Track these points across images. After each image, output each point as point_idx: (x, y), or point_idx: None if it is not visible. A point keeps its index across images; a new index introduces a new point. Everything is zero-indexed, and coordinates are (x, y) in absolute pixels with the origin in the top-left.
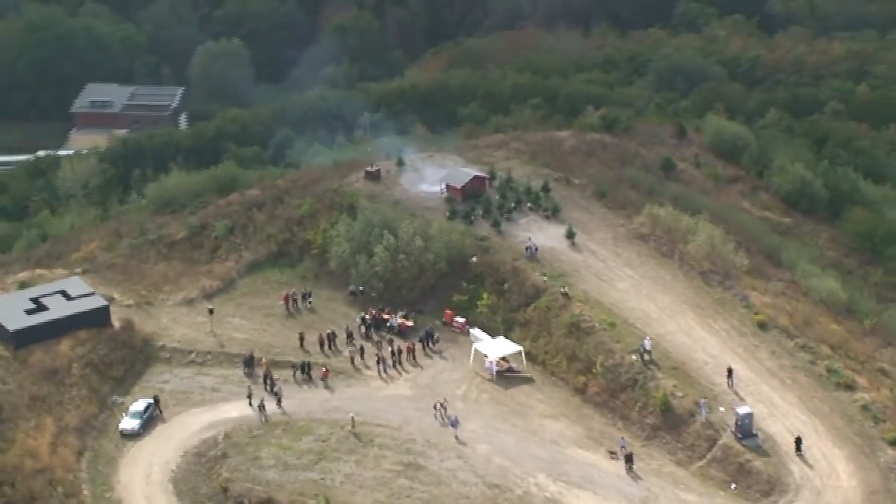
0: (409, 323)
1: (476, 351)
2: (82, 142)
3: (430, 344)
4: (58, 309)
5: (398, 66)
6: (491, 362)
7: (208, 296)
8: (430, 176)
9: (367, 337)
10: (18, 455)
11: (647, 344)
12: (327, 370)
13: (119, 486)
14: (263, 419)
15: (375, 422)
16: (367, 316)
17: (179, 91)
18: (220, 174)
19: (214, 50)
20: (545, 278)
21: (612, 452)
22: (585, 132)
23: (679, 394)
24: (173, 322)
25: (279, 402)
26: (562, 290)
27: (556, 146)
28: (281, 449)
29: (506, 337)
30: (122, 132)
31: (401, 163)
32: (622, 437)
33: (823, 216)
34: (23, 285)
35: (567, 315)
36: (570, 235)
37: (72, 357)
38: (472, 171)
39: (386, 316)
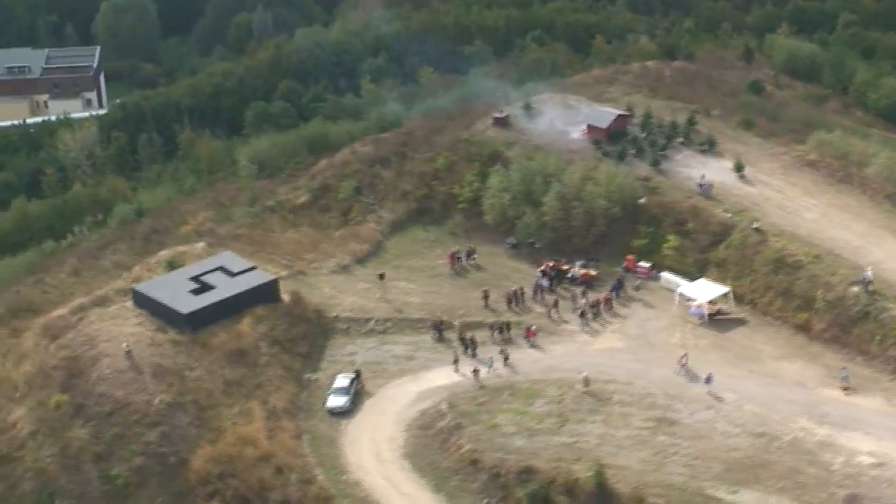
0: (593, 272)
1: (681, 295)
2: (3, 112)
3: (621, 292)
4: (225, 287)
5: (315, 13)
6: (699, 306)
7: (360, 260)
8: (563, 118)
9: (552, 291)
10: (233, 444)
11: (869, 274)
12: (533, 329)
13: (351, 468)
14: (479, 385)
15: (603, 378)
16: (546, 269)
17: (97, 51)
18: (310, 133)
19: (120, 5)
20: (729, 215)
21: (844, 388)
22: (650, 61)
23: None
24: (336, 291)
25: (506, 361)
26: (753, 225)
27: (660, 77)
28: (517, 414)
29: (699, 279)
30: (43, 97)
31: (527, 107)
32: (843, 368)
33: None
34: (170, 264)
35: (769, 251)
36: (739, 168)
37: (256, 336)
38: (612, 110)
39: (565, 267)
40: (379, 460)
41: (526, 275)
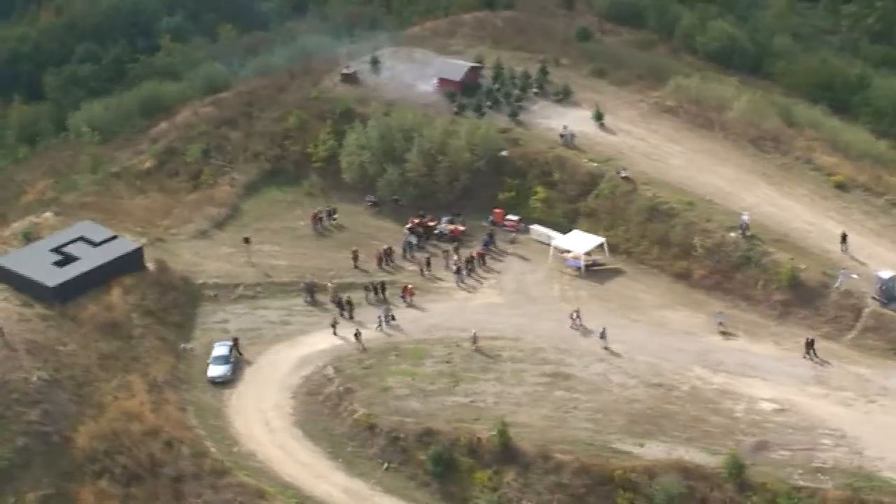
0: (462, 228)
1: (555, 248)
2: None
3: (493, 247)
4: (89, 257)
5: None
6: (575, 258)
7: (218, 225)
8: (412, 72)
9: (421, 248)
10: (117, 419)
11: (746, 218)
12: (410, 287)
13: (242, 438)
14: (361, 347)
15: (488, 335)
16: (413, 226)
17: None
18: (143, 95)
19: None
20: (596, 164)
21: (723, 333)
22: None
23: (802, 266)
24: (199, 257)
25: (388, 321)
26: (622, 174)
27: (496, 28)
28: (407, 376)
29: (570, 230)
30: None
31: (374, 61)
32: (719, 313)
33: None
34: (26, 236)
35: (640, 199)
36: (599, 117)
37: (126, 307)
38: (464, 63)
39: (431, 224)
40: (269, 430)
41: (391, 233)
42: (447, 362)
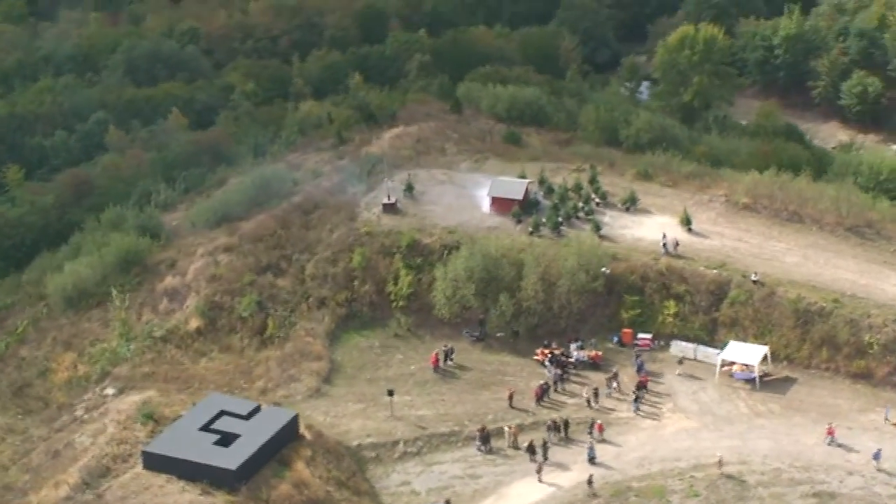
0: (599, 353)
1: (723, 362)
2: None
3: (644, 371)
4: (252, 432)
5: None
6: (744, 370)
7: (326, 380)
8: (450, 194)
9: (564, 379)
10: None
11: None
12: (600, 423)
13: None
14: (593, 492)
15: (711, 461)
16: (552, 357)
17: None
18: (124, 248)
19: None
20: (715, 270)
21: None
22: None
23: None
24: (331, 417)
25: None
26: (753, 277)
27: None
28: None
29: (709, 342)
30: None
31: (410, 188)
32: (887, 406)
33: None
34: (147, 416)
35: (785, 302)
36: (688, 222)
37: (318, 482)
38: (521, 180)
39: (556, 351)
40: None
41: (518, 368)
42: (696, 496)
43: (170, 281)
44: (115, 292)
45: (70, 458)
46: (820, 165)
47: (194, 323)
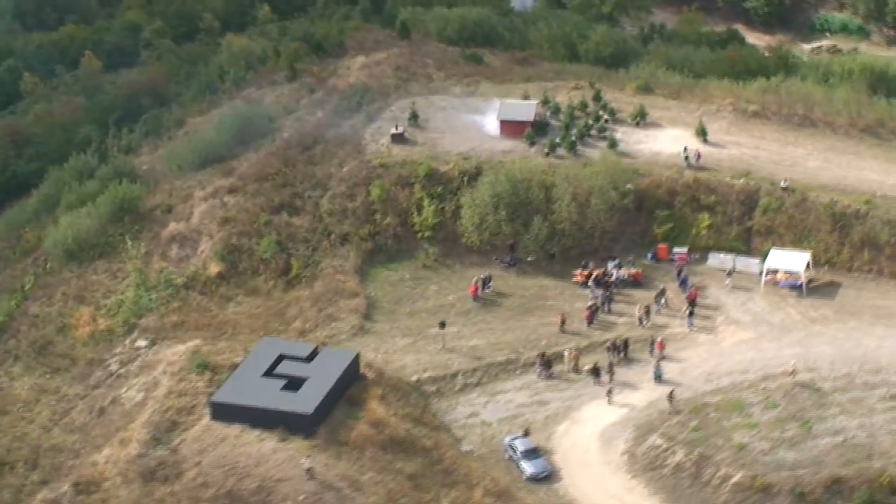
0: (639, 271)
1: (768, 270)
2: None
3: (687, 285)
4: (318, 375)
5: None
6: (788, 278)
7: (367, 317)
8: (455, 121)
9: (609, 298)
10: None
11: None
12: (661, 340)
13: None
14: (674, 409)
15: (776, 372)
16: (583, 280)
17: None
18: (119, 196)
19: None
20: (741, 180)
21: None
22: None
23: None
24: (383, 353)
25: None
26: (783, 184)
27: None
28: (750, 429)
29: (746, 253)
30: None
31: (414, 116)
32: None
33: None
34: (202, 366)
35: (819, 207)
36: (703, 133)
37: (395, 420)
38: (530, 102)
39: (596, 272)
40: None
41: (558, 291)
42: (775, 406)
43: (174, 227)
44: (129, 242)
45: (120, 414)
46: (787, 69)
47: (214, 268)
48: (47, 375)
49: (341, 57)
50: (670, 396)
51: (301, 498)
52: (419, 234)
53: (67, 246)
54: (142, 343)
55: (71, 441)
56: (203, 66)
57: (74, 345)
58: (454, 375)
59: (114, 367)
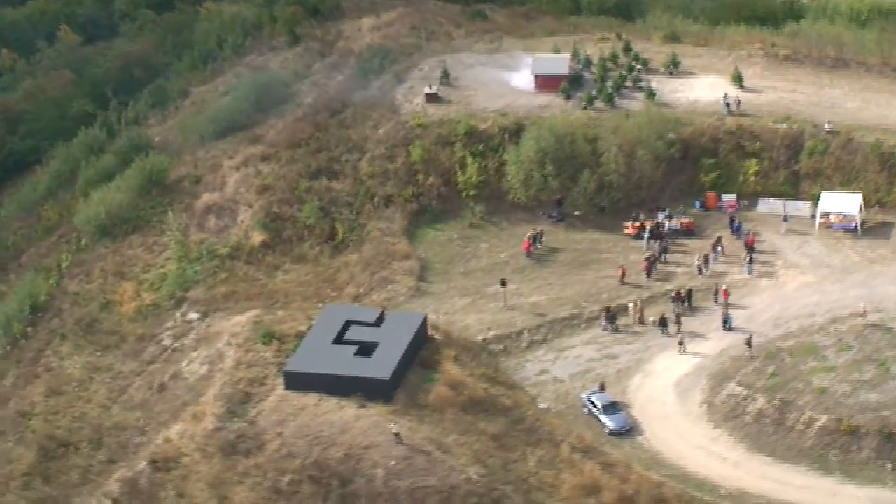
0: (691, 220)
1: (821, 213)
2: None
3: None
4: (389, 340)
5: None
6: (842, 220)
7: (421, 278)
8: (486, 77)
9: (665, 249)
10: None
11: None
12: (725, 289)
13: (718, 480)
14: (751, 355)
15: (844, 314)
16: (635, 231)
17: None
18: (147, 169)
19: None
20: (784, 124)
21: None
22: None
23: None
24: (444, 314)
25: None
26: (826, 127)
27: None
28: (829, 372)
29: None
30: None
31: (446, 75)
32: None
33: None
34: (268, 336)
35: (866, 148)
36: (739, 79)
37: (472, 381)
38: (563, 56)
39: (647, 224)
40: (732, 464)
41: (611, 244)
42: (849, 349)
43: (208, 197)
44: (171, 214)
45: (184, 388)
46: (794, 14)
47: (258, 237)
48: (98, 353)
49: (339, 19)
50: (748, 342)
51: (392, 464)
52: (464, 193)
53: (101, 221)
54: (193, 316)
55: (133, 418)
56: (189, 34)
57: (121, 321)
58: (519, 333)
59: (167, 342)
